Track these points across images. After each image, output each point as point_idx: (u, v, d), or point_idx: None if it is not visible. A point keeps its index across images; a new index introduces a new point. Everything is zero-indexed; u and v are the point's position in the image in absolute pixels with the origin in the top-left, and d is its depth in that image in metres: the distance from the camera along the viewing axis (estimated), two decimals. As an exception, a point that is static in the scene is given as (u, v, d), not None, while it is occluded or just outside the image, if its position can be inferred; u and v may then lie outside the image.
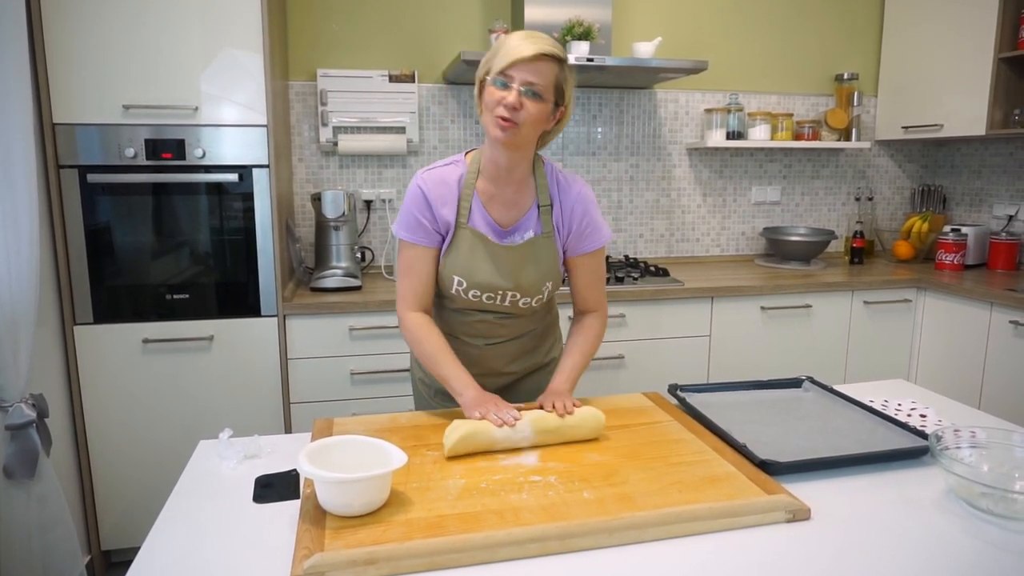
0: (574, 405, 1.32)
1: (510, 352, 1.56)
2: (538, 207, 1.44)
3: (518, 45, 1.28)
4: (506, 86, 1.29)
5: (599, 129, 3.08)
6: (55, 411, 2.02)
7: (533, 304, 1.48)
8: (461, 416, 1.40)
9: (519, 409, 1.31)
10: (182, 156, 2.16)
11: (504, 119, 1.29)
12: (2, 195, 1.66)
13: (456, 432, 1.20)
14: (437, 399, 1.60)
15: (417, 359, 1.42)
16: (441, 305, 1.53)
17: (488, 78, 1.32)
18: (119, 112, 2.10)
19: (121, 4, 2.05)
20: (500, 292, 1.44)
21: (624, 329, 2.54)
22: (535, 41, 1.29)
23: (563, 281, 1.51)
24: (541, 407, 1.33)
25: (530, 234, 1.44)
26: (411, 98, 2.81)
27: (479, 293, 1.44)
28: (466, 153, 1.47)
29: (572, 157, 3.07)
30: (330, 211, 2.49)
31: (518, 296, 1.45)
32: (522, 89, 1.28)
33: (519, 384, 1.63)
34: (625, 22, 3.01)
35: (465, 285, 1.43)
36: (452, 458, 1.20)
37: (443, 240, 1.43)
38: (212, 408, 2.29)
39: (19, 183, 1.71)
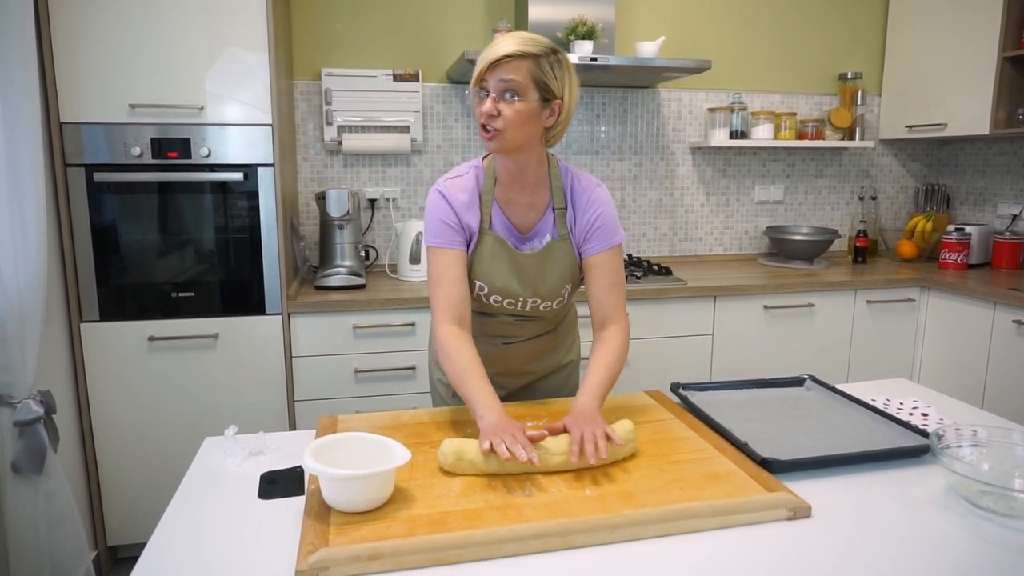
0: (607, 436, 1.16)
1: (528, 351, 1.56)
2: (553, 210, 1.43)
3: (489, 49, 1.28)
4: (483, 94, 1.29)
5: (602, 128, 3.09)
6: (62, 408, 2.03)
7: (553, 307, 1.48)
8: (466, 413, 1.40)
9: (537, 425, 1.29)
10: (187, 155, 2.18)
11: (485, 128, 1.30)
12: (10, 194, 1.67)
13: (449, 458, 1.15)
14: (455, 400, 1.58)
15: (445, 374, 1.35)
16: None
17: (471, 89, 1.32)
18: (125, 111, 2.11)
19: (127, 4, 2.06)
20: (521, 299, 1.44)
21: (627, 328, 2.54)
22: (507, 43, 1.27)
23: (581, 281, 1.50)
24: (565, 429, 1.21)
25: (548, 238, 1.43)
26: (415, 97, 2.82)
27: (500, 299, 1.44)
28: (484, 158, 1.46)
29: (576, 156, 3.07)
30: (334, 210, 2.50)
31: (539, 301, 1.45)
32: (495, 95, 1.27)
33: (537, 385, 1.63)
34: (628, 21, 3.01)
35: (487, 290, 1.43)
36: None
37: (469, 245, 1.42)
38: (217, 405, 2.30)
39: (26, 182, 1.72)
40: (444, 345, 1.33)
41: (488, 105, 1.28)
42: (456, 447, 1.15)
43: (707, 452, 1.22)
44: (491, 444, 1.12)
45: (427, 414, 1.42)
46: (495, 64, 1.26)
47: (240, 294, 2.28)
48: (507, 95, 1.27)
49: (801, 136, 3.13)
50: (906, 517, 1.05)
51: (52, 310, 2.07)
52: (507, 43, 1.27)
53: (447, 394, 1.62)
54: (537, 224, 1.43)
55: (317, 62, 2.77)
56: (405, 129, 2.84)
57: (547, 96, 1.30)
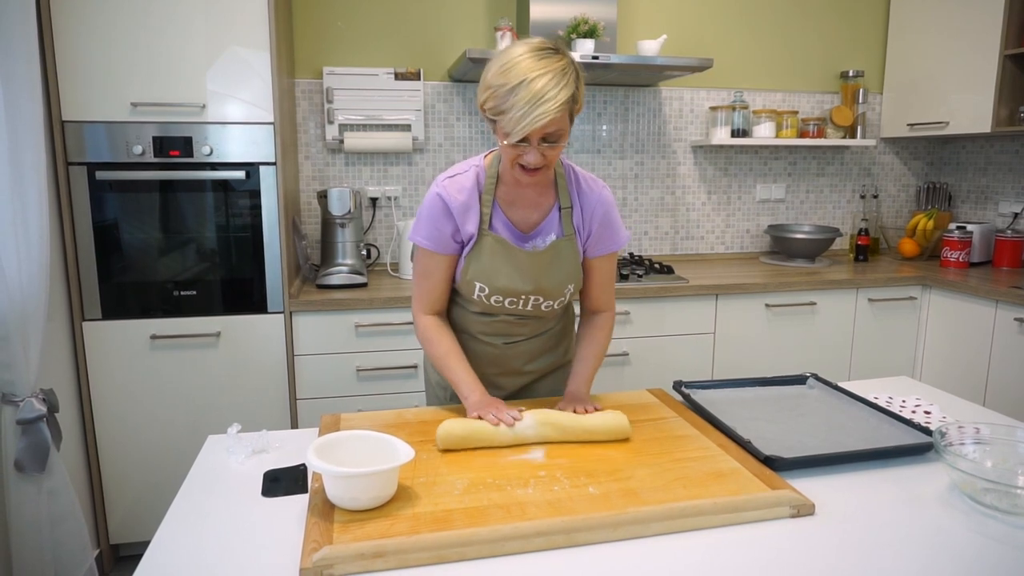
0: (596, 408, 1.34)
1: (529, 351, 1.55)
2: (559, 209, 1.42)
3: (527, 113, 1.18)
4: (523, 144, 1.24)
5: (604, 127, 3.09)
6: (64, 406, 2.03)
7: (555, 306, 1.47)
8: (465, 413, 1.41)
9: (527, 407, 1.31)
10: (189, 153, 2.18)
11: (527, 170, 1.29)
12: (12, 192, 1.67)
13: (445, 427, 1.24)
14: (453, 401, 1.57)
15: (429, 361, 1.43)
16: (460, 305, 1.51)
17: (502, 140, 1.26)
18: (127, 110, 2.11)
19: (128, 3, 2.06)
20: (523, 297, 1.42)
21: (629, 326, 2.54)
22: (548, 102, 1.17)
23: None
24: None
25: (552, 237, 1.42)
26: (417, 96, 2.82)
27: (501, 298, 1.42)
28: (485, 155, 1.44)
29: (577, 155, 3.07)
30: (336, 208, 2.50)
31: (540, 300, 1.44)
32: (540, 146, 1.24)
33: (538, 384, 1.62)
34: (630, 20, 3.01)
35: (487, 291, 1.41)
36: (447, 450, 1.23)
37: (463, 248, 1.41)
38: (219, 404, 2.31)
39: (29, 180, 1.72)
40: (425, 332, 1.45)
41: (536, 157, 1.25)
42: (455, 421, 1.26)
43: (710, 450, 1.22)
44: (478, 415, 1.27)
45: (430, 412, 1.43)
46: (539, 130, 1.21)
47: (242, 293, 2.29)
48: (549, 142, 1.25)
49: (803, 134, 3.13)
50: (909, 515, 1.05)
51: (54, 308, 2.07)
52: (547, 102, 1.17)
53: (444, 396, 1.61)
54: (540, 224, 1.43)
55: (319, 60, 2.77)
56: (407, 128, 2.84)
57: (573, 114, 1.28)
